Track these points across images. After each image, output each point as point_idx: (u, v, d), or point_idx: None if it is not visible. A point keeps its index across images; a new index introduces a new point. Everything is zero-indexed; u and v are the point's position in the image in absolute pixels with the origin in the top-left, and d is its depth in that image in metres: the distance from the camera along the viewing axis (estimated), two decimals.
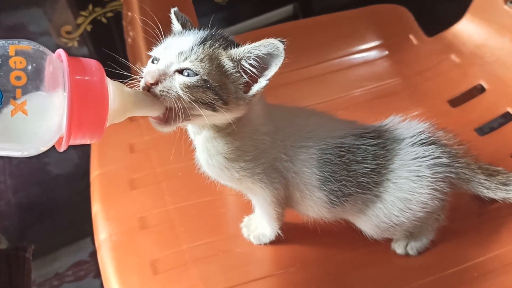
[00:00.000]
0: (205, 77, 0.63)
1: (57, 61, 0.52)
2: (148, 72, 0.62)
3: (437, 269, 0.81)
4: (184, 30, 0.70)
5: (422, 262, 0.83)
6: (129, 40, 1.23)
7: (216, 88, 0.63)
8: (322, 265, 0.84)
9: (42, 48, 0.51)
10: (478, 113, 1.10)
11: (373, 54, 1.27)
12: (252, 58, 0.64)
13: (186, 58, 0.63)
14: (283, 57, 0.62)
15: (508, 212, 0.87)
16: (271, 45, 0.62)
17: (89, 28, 1.35)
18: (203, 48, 0.64)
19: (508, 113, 1.08)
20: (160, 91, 0.61)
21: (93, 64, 0.54)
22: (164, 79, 0.62)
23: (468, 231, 0.87)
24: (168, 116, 0.63)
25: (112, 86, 0.55)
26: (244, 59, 0.64)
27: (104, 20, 1.36)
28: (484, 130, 1.10)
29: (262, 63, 0.64)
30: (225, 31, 0.69)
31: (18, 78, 0.48)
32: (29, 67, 0.49)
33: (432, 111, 1.11)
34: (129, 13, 1.19)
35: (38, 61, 0.50)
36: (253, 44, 0.63)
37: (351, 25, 1.31)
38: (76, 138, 0.52)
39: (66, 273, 1.51)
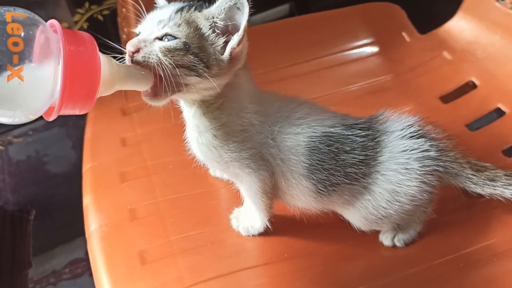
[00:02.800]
0: (184, 40, 0.65)
1: (50, 31, 0.53)
2: (129, 43, 0.64)
3: (424, 259, 0.82)
4: (167, 3, 0.73)
5: (409, 253, 0.84)
6: (124, 36, 1.25)
7: (196, 50, 0.65)
8: (310, 256, 0.84)
9: (36, 17, 0.52)
10: (469, 109, 1.10)
11: (366, 50, 1.27)
12: (223, 14, 0.66)
13: (164, 26, 0.66)
14: (247, 7, 0.64)
15: (496, 205, 0.87)
16: None
17: (85, 25, 1.36)
18: (180, 14, 0.67)
19: (499, 108, 1.08)
20: (142, 57, 0.64)
21: (86, 36, 0.55)
22: (145, 46, 0.64)
23: (456, 223, 0.88)
24: (158, 89, 0.65)
25: (102, 58, 0.57)
26: (216, 17, 0.67)
27: (100, 17, 1.37)
28: (476, 126, 1.10)
29: (234, 21, 0.66)
30: None
31: (15, 44, 0.49)
32: (26, 35, 0.50)
33: (423, 107, 1.11)
34: (124, 10, 1.20)
35: (34, 29, 0.51)
36: (219, 1, 0.66)
37: (344, 22, 1.32)
38: (67, 107, 0.53)
39: (63, 270, 1.51)
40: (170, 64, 0.63)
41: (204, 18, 0.67)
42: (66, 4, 1.33)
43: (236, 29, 0.66)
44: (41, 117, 1.42)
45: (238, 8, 0.65)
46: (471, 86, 1.15)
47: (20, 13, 0.51)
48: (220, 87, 0.70)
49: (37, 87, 0.51)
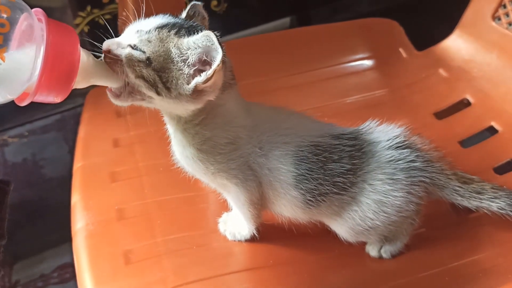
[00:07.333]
0: (148, 55, 0.65)
1: (35, 19, 0.54)
2: (106, 41, 0.65)
3: (409, 272, 0.81)
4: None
5: (395, 265, 0.83)
6: None
7: (157, 68, 0.65)
8: (295, 263, 0.84)
9: (23, 3, 0.54)
10: (463, 126, 1.10)
11: (363, 65, 1.28)
12: (196, 51, 0.64)
13: (139, 37, 0.66)
14: (221, 54, 0.62)
15: (485, 222, 0.87)
16: (205, 37, 0.63)
17: (86, 29, 1.37)
18: (158, 32, 0.66)
19: (492, 127, 1.08)
20: (109, 59, 0.65)
21: (69, 28, 0.57)
22: (116, 48, 0.65)
23: (444, 238, 0.87)
24: (122, 90, 0.66)
25: (82, 51, 0.58)
26: (187, 52, 0.65)
27: (101, 21, 1.38)
28: (469, 143, 1.10)
29: (208, 57, 0.64)
30: (221, 40, 0.66)
31: (2, 25, 0.50)
32: (13, 18, 0.51)
33: (417, 122, 1.11)
34: (124, 13, 1.21)
35: (19, 14, 0.52)
36: (196, 36, 0.65)
37: (343, 36, 1.33)
38: (42, 93, 0.55)
39: (52, 274, 1.50)
40: (131, 72, 0.65)
41: (177, 46, 0.65)
42: (68, 7, 1.34)
43: (207, 63, 0.64)
44: (39, 119, 1.41)
45: (209, 47, 0.63)
46: (465, 103, 1.15)
47: None
48: (188, 111, 0.69)
49: (18, 68, 0.53)
